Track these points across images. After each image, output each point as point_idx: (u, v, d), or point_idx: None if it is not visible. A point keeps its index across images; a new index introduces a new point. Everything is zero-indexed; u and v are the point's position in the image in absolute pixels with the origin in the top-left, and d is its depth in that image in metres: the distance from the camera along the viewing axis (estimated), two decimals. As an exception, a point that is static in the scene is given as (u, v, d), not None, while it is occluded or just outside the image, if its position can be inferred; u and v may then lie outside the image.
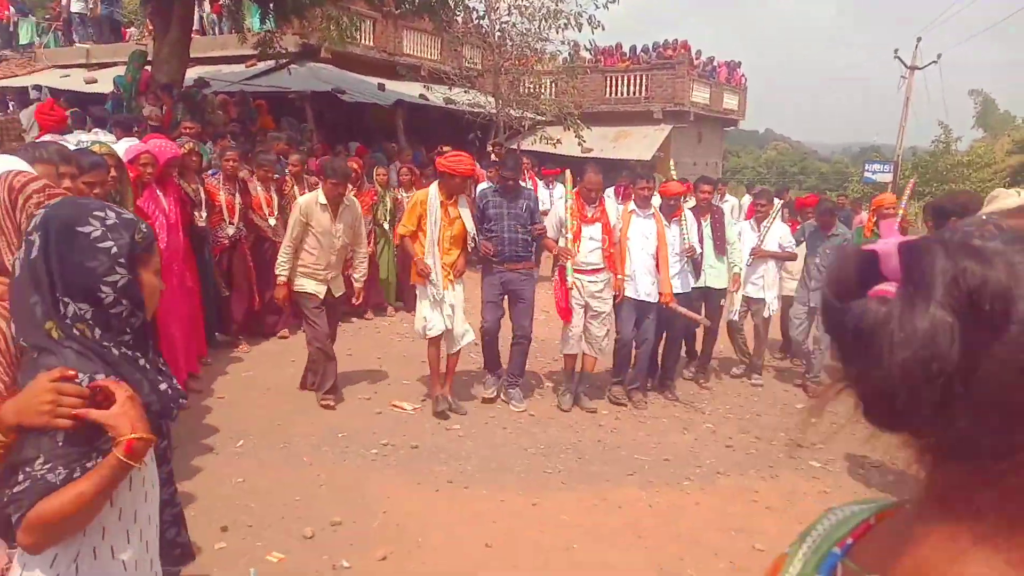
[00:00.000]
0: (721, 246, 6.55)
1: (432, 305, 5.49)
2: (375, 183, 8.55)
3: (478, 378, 6.39)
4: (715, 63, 24.35)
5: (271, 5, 11.67)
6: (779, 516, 4.40)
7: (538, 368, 6.91)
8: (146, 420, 1.43)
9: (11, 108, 13.05)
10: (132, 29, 17.55)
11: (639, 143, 20.42)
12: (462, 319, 5.68)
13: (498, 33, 15.89)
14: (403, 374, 6.51)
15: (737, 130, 31.54)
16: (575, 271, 5.78)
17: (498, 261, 5.80)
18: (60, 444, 1.37)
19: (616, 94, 22.12)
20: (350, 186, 8.14)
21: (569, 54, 16.77)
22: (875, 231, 6.77)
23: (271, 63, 14.40)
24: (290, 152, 9.10)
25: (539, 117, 16.84)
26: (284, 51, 13.99)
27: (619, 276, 5.85)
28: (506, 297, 5.91)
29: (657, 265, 5.98)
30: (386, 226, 8.51)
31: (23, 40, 18.47)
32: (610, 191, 10.71)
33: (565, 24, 15.14)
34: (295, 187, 7.64)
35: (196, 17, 14.07)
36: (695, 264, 6.32)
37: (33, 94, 14.33)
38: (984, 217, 0.63)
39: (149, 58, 11.48)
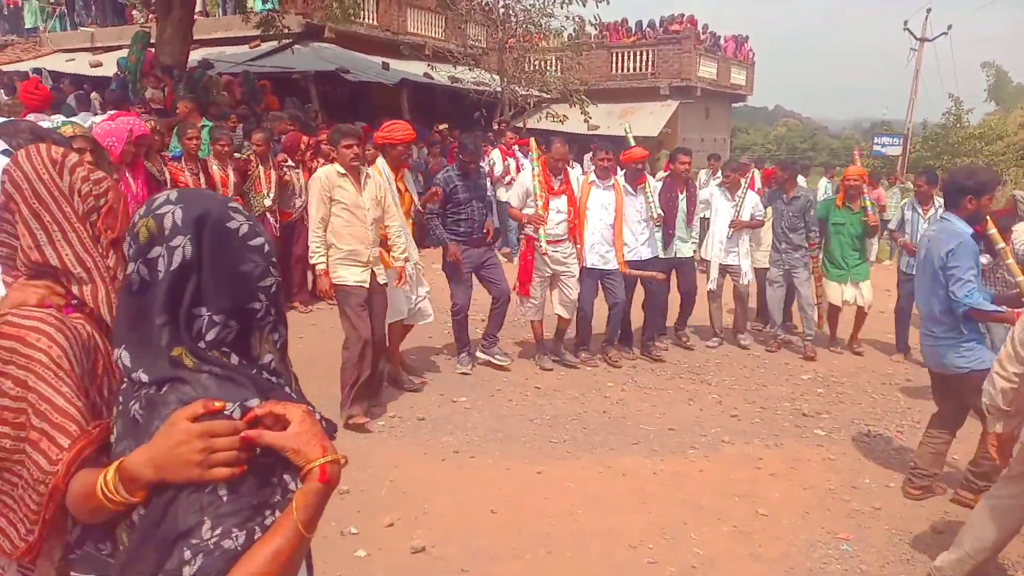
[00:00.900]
0: (691, 218, 6.89)
1: (395, 288, 5.25)
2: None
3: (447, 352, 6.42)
4: (722, 38, 24.11)
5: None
6: (783, 482, 4.43)
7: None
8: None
9: (17, 92, 13.10)
10: (136, 12, 17.50)
11: (645, 119, 20.28)
12: (426, 302, 5.71)
13: (502, 10, 15.79)
14: (408, 349, 6.55)
15: (745, 106, 31.36)
16: (535, 240, 5.98)
17: (466, 241, 5.88)
18: (225, 499, 1.06)
19: (622, 70, 21.96)
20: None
21: (574, 30, 16.66)
22: (846, 203, 6.96)
23: (275, 43, 14.38)
24: (296, 132, 9.11)
25: (544, 95, 16.77)
26: (287, 31, 13.95)
27: (578, 246, 6.13)
28: (473, 274, 6.04)
29: (615, 234, 6.23)
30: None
31: (28, 24, 18.48)
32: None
33: (569, 0, 15.04)
34: (260, 167, 7.28)
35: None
36: (665, 234, 6.65)
37: (35, 77, 14.38)
38: None
39: (152, 40, 11.49)
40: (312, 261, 4.86)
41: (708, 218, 7.45)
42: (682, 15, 22.35)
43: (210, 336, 1.15)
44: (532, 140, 6.48)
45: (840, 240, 7.01)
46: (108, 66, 13.57)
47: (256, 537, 1.06)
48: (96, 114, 9.89)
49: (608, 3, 15.08)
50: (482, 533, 3.68)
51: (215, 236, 1.15)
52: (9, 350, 1.29)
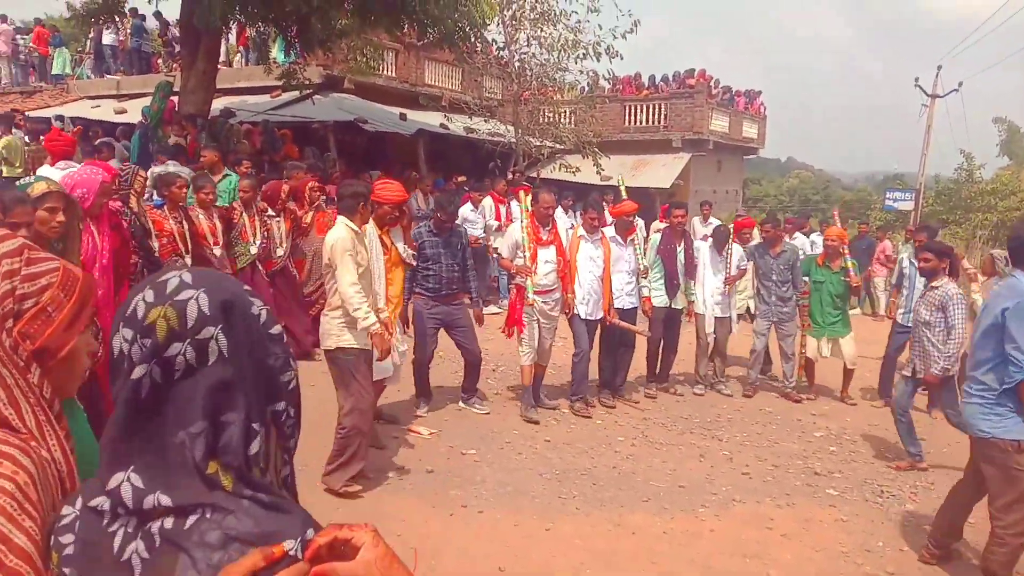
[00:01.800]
0: (691, 271, 7.14)
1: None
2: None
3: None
4: (733, 92, 24.45)
5: (296, 38, 11.94)
6: (794, 543, 4.37)
7: (554, 393, 6.93)
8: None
9: (41, 139, 13.44)
10: (161, 61, 17.99)
11: (658, 171, 20.48)
12: (401, 354, 5.45)
13: (517, 64, 16.11)
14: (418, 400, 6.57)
15: (758, 158, 31.54)
16: (524, 290, 6.11)
17: (434, 297, 5.99)
18: None
19: (635, 123, 22.25)
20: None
21: (588, 84, 16.95)
22: (826, 262, 7.22)
23: (295, 93, 14.71)
24: (276, 180, 9.18)
25: (558, 146, 17.00)
26: (308, 82, 14.29)
27: (568, 294, 6.31)
28: (440, 329, 6.14)
29: (603, 285, 6.44)
30: None
31: (55, 70, 18.99)
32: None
33: (584, 54, 15.33)
34: (244, 215, 7.01)
35: (223, 49, 14.42)
36: (670, 285, 6.98)
37: (56, 125, 14.77)
38: None
39: (176, 88, 11.79)
40: (365, 324, 4.40)
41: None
42: (694, 70, 22.71)
43: (253, 449, 0.95)
44: (521, 192, 6.68)
45: (819, 297, 7.24)
46: (133, 113, 13.92)
47: None
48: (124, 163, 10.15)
49: (622, 58, 15.36)
50: (489, 591, 3.65)
51: (245, 325, 0.98)
52: None
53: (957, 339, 5.31)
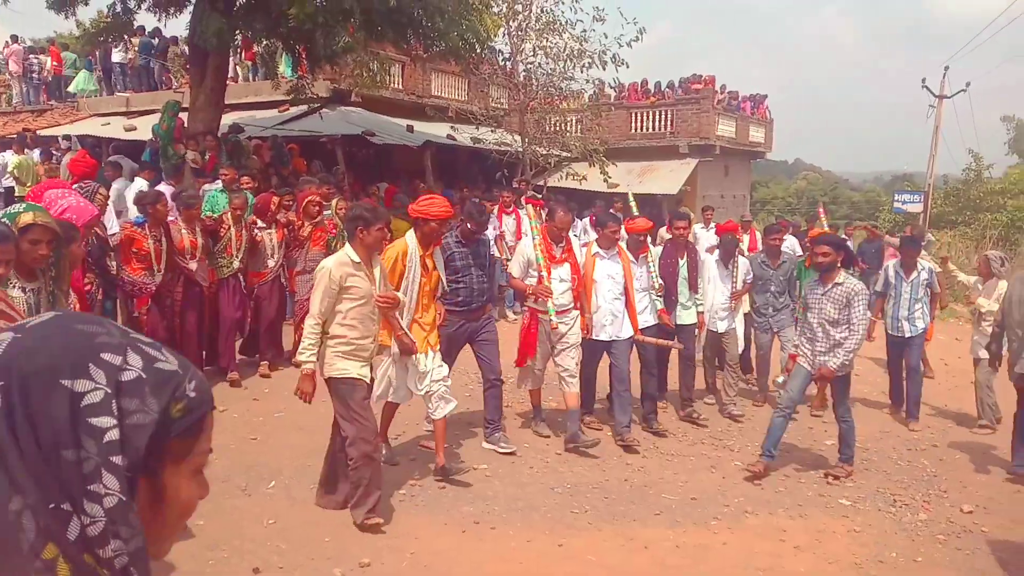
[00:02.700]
0: (695, 284, 6.84)
1: (401, 369, 4.99)
2: (335, 216, 8.01)
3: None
4: (739, 98, 24.46)
5: (303, 53, 12.05)
6: (807, 555, 4.38)
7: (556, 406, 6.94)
8: None
9: (54, 158, 13.59)
10: (172, 77, 18.15)
11: (665, 177, 20.49)
12: (445, 388, 5.04)
13: (523, 74, 16.19)
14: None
15: (765, 161, 31.51)
16: (540, 313, 5.72)
17: (463, 312, 5.59)
18: None
19: (641, 129, 22.29)
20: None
21: (594, 92, 17.00)
22: (813, 265, 6.71)
23: (303, 108, 14.83)
24: (267, 193, 9.24)
25: (565, 154, 17.05)
26: (315, 96, 14.40)
27: (586, 315, 5.91)
28: (464, 345, 5.77)
29: (627, 303, 6.04)
30: None
31: (73, 89, 19.16)
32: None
33: (589, 63, 15.40)
34: (232, 228, 6.98)
35: (231, 65, 14.56)
36: (668, 300, 6.61)
37: (63, 144, 14.92)
38: None
39: (184, 105, 11.91)
40: (301, 358, 4.37)
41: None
42: (700, 75, 22.73)
43: (79, 531, 0.76)
44: (529, 207, 6.35)
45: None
46: (142, 130, 14.05)
47: None
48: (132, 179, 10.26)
49: (627, 67, 15.43)
50: (503, 608, 3.67)
51: (43, 402, 0.76)
52: None
53: (859, 335, 5.34)
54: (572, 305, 5.86)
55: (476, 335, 5.70)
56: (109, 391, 0.77)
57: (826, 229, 7.46)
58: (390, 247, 5.04)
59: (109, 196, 6.22)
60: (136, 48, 17.50)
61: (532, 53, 15.76)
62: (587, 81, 16.35)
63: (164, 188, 8.63)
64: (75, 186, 6.01)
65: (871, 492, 5.36)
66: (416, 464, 5.47)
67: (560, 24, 15.17)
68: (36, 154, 13.39)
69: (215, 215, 7.22)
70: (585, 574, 4.03)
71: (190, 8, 11.54)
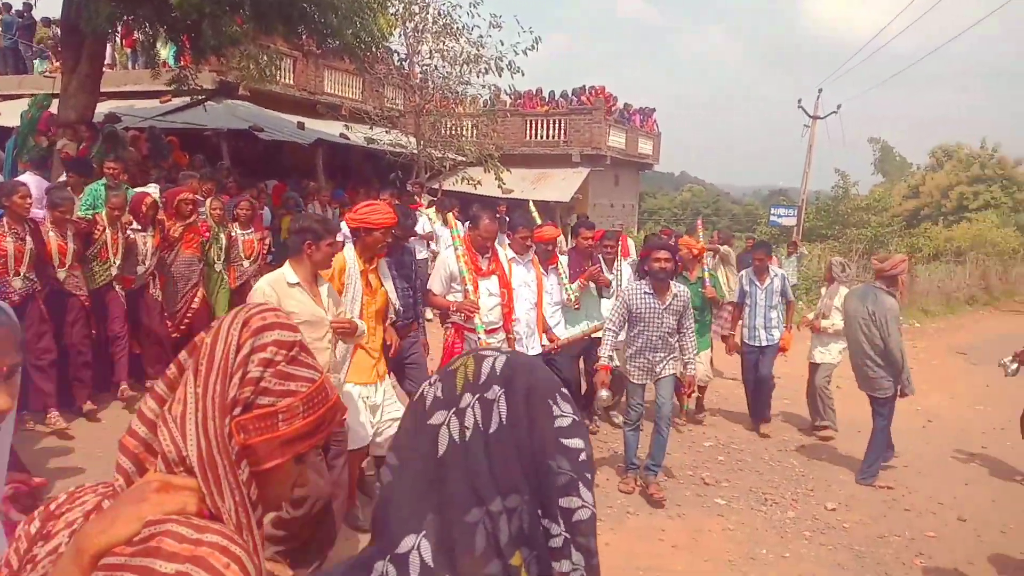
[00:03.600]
0: (604, 293, 6.63)
1: (352, 407, 4.26)
2: (208, 217, 7.34)
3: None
4: (630, 111, 25.24)
5: (188, 42, 11.51)
6: (685, 554, 4.55)
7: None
8: None
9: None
10: (37, 61, 16.94)
11: (558, 185, 20.89)
12: (391, 420, 4.44)
13: (420, 76, 16.11)
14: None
15: (653, 172, 32.63)
16: (467, 330, 5.00)
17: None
18: None
19: (536, 137, 22.63)
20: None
21: (489, 98, 17.12)
22: (683, 274, 6.80)
23: (186, 99, 14.17)
24: (141, 193, 8.86)
25: (460, 158, 17.08)
26: (199, 88, 13.79)
27: (511, 335, 5.24)
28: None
29: (537, 315, 5.63)
30: (219, 267, 7.34)
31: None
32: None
33: (486, 69, 15.51)
34: (107, 232, 6.33)
35: (108, 51, 13.74)
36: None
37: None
38: None
39: (56, 92, 11.15)
40: None
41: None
42: (593, 87, 23.31)
43: (555, 543, 0.82)
44: (450, 215, 5.73)
45: None
46: (9, 116, 13.05)
47: None
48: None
49: (523, 75, 15.66)
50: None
51: (530, 408, 0.86)
52: None
53: (693, 341, 5.40)
54: (501, 324, 5.17)
55: (403, 359, 5.07)
56: (576, 418, 0.87)
57: (702, 242, 7.58)
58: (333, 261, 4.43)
59: None
60: (-1, 27, 16.29)
61: (429, 55, 15.75)
62: (483, 87, 16.46)
63: (28, 179, 7.98)
64: None
65: (744, 491, 5.63)
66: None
67: (457, 28, 15.21)
68: None
69: (98, 212, 6.61)
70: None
71: (64, -13, 10.82)
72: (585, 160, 21.97)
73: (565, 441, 0.84)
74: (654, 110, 27.13)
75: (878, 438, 5.97)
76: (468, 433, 0.84)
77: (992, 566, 4.60)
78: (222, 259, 7.38)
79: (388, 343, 4.57)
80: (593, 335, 6.29)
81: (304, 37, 11.64)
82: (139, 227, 6.68)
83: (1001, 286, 22.06)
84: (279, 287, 3.75)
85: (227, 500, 0.95)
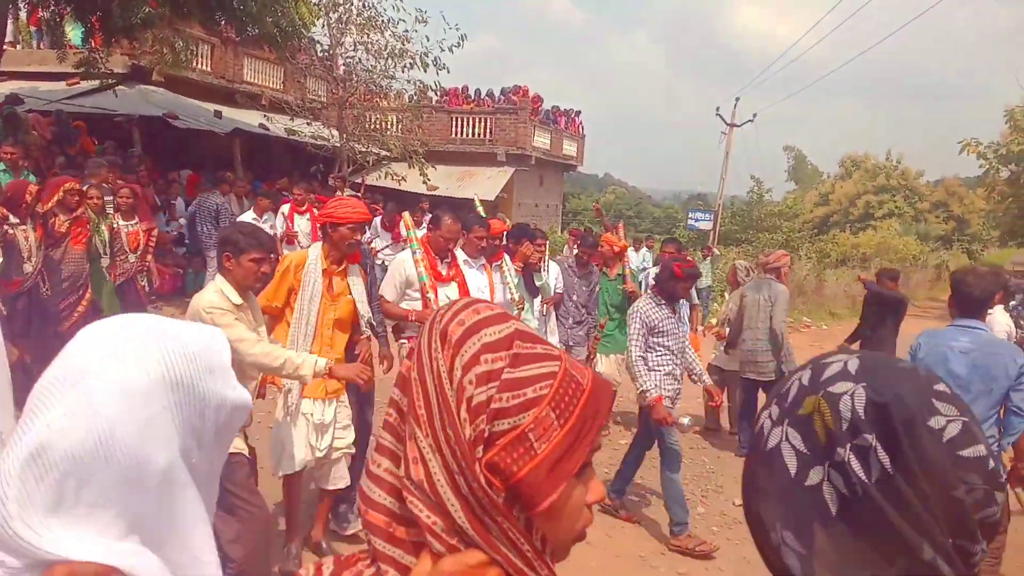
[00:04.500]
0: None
1: (292, 425, 3.84)
2: (88, 210, 6.61)
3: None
4: (555, 111, 25.48)
5: (97, 23, 11.01)
6: (598, 550, 4.62)
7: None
8: None
9: None
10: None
11: (483, 183, 20.90)
12: (341, 451, 4.00)
13: (343, 68, 15.86)
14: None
15: (577, 174, 33.02)
16: None
17: None
18: None
19: (462, 135, 22.60)
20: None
21: (415, 93, 17.00)
22: (603, 271, 6.84)
23: (96, 83, 13.55)
24: (19, 180, 8.41)
25: (384, 153, 16.89)
26: (110, 72, 13.20)
27: None
28: None
29: None
30: (103, 264, 6.67)
31: None
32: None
33: (411, 64, 15.39)
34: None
35: (9, 29, 13.01)
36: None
37: None
38: None
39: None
40: (305, 372, 3.38)
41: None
42: (519, 87, 23.43)
43: None
44: (406, 215, 5.26)
45: (599, 308, 6.85)
46: None
47: None
48: None
49: (448, 71, 15.59)
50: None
51: (915, 440, 0.77)
52: None
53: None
54: None
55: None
56: (966, 420, 0.77)
57: (624, 240, 7.59)
58: (287, 257, 4.05)
59: None
60: None
61: (353, 48, 15.51)
62: (408, 81, 16.32)
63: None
64: None
65: (657, 488, 5.74)
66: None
67: (382, 21, 15.04)
68: None
69: None
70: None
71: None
72: (510, 159, 22.07)
73: (965, 454, 0.76)
74: (579, 112, 27.47)
75: None
76: (859, 488, 0.76)
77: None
78: (106, 252, 6.71)
79: (357, 353, 4.04)
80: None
81: (222, 23, 11.30)
82: (17, 221, 5.90)
83: (903, 291, 23.26)
84: (218, 308, 3.20)
85: (520, 561, 0.78)
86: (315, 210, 9.07)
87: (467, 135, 22.59)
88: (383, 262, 9.37)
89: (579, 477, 0.79)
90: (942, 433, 0.76)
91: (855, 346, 7.00)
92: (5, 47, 11.79)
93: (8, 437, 0.85)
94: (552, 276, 6.56)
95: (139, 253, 7.09)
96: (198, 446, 0.94)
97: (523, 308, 5.69)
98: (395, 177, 16.88)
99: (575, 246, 9.48)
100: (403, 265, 4.66)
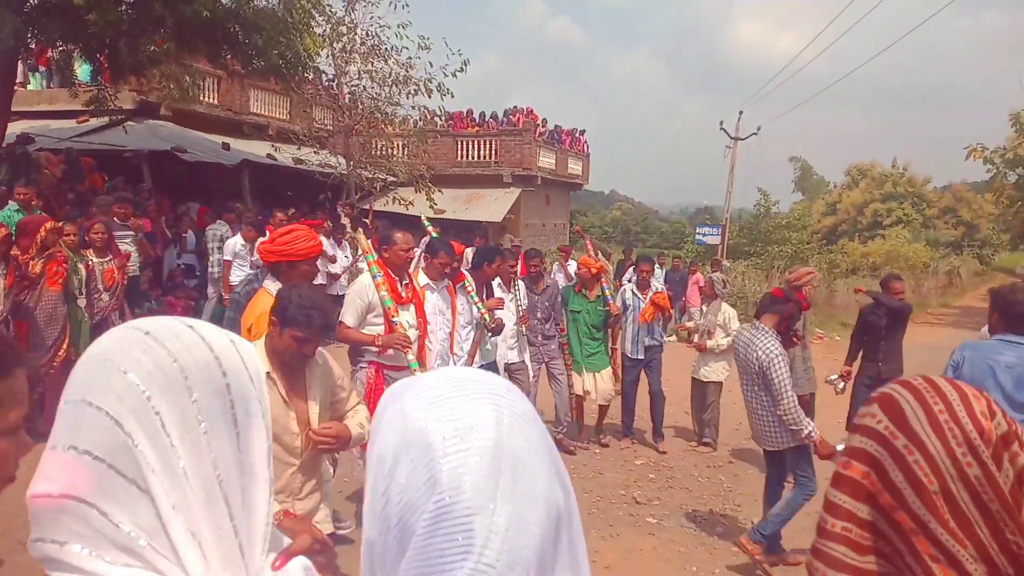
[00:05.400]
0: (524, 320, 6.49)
1: None
2: (62, 245, 6.34)
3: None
4: (559, 131, 25.62)
5: (104, 62, 11.17)
6: (616, 574, 4.59)
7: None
8: None
9: None
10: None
11: (490, 205, 20.99)
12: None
13: (348, 96, 16.01)
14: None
15: (583, 191, 33.08)
16: (388, 368, 4.49)
17: None
18: None
19: (467, 158, 22.72)
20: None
21: (420, 119, 17.12)
22: (583, 291, 6.97)
23: (105, 119, 13.74)
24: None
25: (391, 178, 17.00)
26: (119, 108, 13.38)
27: (424, 368, 4.63)
28: None
29: (451, 347, 5.25)
30: (81, 303, 6.40)
31: None
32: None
33: (415, 90, 15.52)
34: None
35: (20, 70, 13.22)
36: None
37: None
38: None
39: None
40: None
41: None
42: (523, 108, 23.60)
43: None
44: (361, 236, 5.15)
45: (577, 328, 6.98)
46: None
47: None
48: None
49: (452, 96, 15.70)
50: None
51: None
52: None
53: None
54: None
55: None
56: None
57: (601, 261, 7.57)
58: (256, 299, 3.58)
59: None
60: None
61: (357, 76, 15.66)
62: (413, 107, 16.46)
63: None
64: None
65: (675, 509, 5.72)
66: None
67: (385, 50, 15.19)
68: None
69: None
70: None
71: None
72: (516, 180, 22.15)
73: None
74: (584, 131, 27.59)
75: None
76: None
77: None
78: (82, 292, 6.45)
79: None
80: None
81: (228, 57, 11.45)
82: None
83: (914, 299, 23.09)
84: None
85: None
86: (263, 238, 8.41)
87: (472, 158, 22.71)
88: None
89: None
90: None
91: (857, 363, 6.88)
92: (16, 87, 11.98)
93: None
94: (521, 294, 6.57)
95: (114, 291, 6.87)
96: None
97: (496, 327, 5.67)
98: (402, 202, 16.97)
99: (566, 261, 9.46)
100: (365, 291, 4.52)
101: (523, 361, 6.51)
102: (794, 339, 5.23)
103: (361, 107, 15.84)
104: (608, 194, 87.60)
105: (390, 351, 4.43)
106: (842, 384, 6.45)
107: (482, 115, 23.67)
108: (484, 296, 5.93)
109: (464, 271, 5.83)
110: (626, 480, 6.35)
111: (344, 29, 14.92)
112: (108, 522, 0.80)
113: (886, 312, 6.59)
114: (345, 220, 12.80)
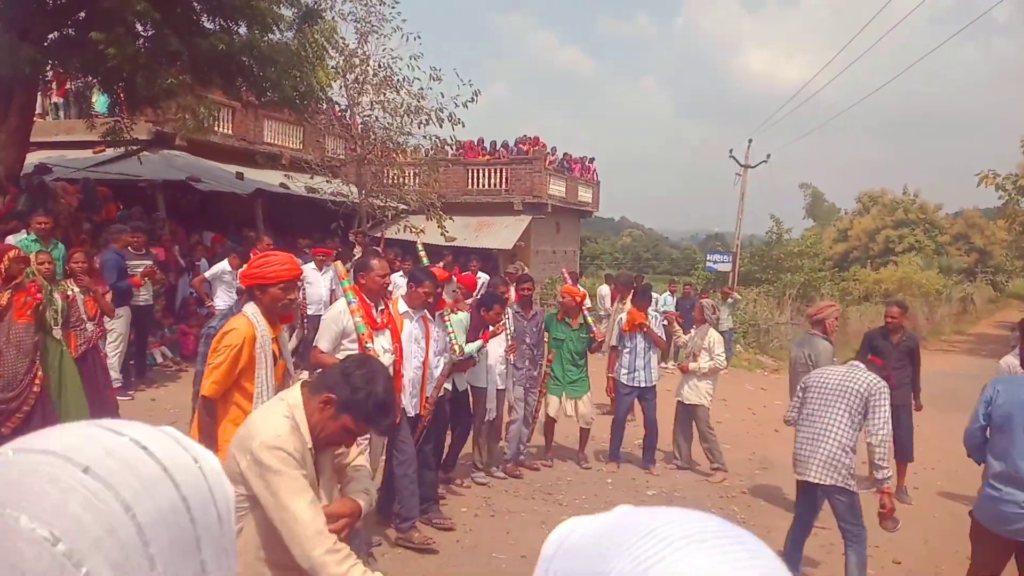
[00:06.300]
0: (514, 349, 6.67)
1: None
2: (37, 275, 6.02)
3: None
4: (569, 159, 25.78)
5: (121, 94, 11.37)
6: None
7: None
8: None
9: None
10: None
11: (501, 233, 21.08)
12: None
13: (361, 126, 16.19)
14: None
15: (593, 218, 33.20)
16: None
17: None
18: None
19: (478, 186, 22.88)
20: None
21: (431, 148, 17.27)
22: (566, 319, 7.16)
23: (121, 149, 13.94)
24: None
25: (403, 207, 17.12)
26: (135, 139, 13.58)
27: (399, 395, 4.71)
28: None
29: (423, 374, 5.19)
30: (58, 335, 6.06)
31: None
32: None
33: (427, 120, 15.67)
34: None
35: (39, 101, 13.47)
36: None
37: None
38: None
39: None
40: None
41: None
42: (527, 136, 23.85)
43: None
44: (338, 264, 5.13)
45: (560, 355, 7.17)
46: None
47: None
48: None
49: (463, 126, 15.85)
50: None
51: None
52: None
53: None
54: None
55: None
56: None
57: (573, 287, 7.64)
58: (233, 330, 3.39)
59: None
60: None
61: (370, 107, 15.85)
62: (425, 137, 16.61)
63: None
64: None
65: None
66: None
67: (397, 81, 15.38)
68: None
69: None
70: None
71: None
72: (527, 208, 22.26)
73: None
74: (593, 159, 27.75)
75: None
76: None
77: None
78: (59, 323, 6.09)
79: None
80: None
81: (243, 89, 11.63)
82: None
83: (928, 326, 22.97)
84: (294, 443, 2.21)
85: None
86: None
87: (483, 186, 22.86)
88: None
89: None
90: None
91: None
92: (35, 119, 12.20)
93: None
94: (509, 322, 6.69)
95: (97, 319, 6.75)
96: None
97: (468, 358, 5.70)
98: (414, 230, 17.08)
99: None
100: (340, 317, 4.56)
101: (506, 390, 6.72)
102: None
103: (373, 137, 16.01)
104: (618, 221, 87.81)
105: None
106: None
107: (493, 144, 23.87)
108: (479, 332, 6.02)
109: (445, 298, 5.74)
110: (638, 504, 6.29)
111: (357, 60, 15.13)
112: None
113: (902, 351, 6.68)
114: (358, 249, 12.87)
